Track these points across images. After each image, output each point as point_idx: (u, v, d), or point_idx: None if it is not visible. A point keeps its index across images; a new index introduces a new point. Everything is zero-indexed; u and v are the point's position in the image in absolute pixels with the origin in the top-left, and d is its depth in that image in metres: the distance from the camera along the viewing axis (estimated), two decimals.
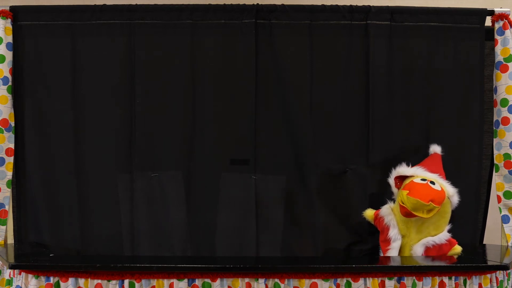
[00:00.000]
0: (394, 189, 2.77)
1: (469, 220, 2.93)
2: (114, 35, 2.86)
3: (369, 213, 2.79)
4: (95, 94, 2.87)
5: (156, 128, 2.87)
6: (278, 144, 2.88)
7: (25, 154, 2.87)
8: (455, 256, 2.66)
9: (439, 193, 2.62)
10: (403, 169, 2.75)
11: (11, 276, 2.46)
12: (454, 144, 2.90)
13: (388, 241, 2.70)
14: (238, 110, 2.87)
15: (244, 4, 2.87)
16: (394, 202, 2.76)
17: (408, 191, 2.62)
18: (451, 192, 2.69)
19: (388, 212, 2.73)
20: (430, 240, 2.66)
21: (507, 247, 2.79)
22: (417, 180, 2.68)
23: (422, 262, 2.53)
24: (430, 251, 2.66)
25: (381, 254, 2.73)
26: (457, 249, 2.68)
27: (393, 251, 2.69)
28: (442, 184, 2.68)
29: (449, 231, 2.71)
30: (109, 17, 2.86)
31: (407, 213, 2.62)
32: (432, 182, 2.65)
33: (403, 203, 2.62)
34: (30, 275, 2.38)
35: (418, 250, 2.66)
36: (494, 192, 2.91)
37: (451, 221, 2.75)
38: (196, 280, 2.39)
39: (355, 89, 2.90)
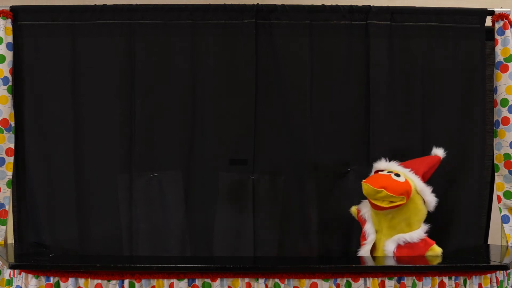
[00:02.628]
0: None
1: (472, 221, 2.92)
2: (114, 35, 2.86)
3: (353, 208, 2.79)
4: (95, 94, 2.87)
5: (156, 128, 2.87)
6: (278, 144, 2.88)
7: (25, 154, 2.86)
8: (433, 256, 2.60)
9: (398, 183, 2.58)
10: (379, 164, 2.74)
11: (11, 276, 2.46)
12: (455, 144, 2.90)
13: (364, 236, 2.70)
14: (238, 110, 2.87)
15: (244, 4, 2.87)
16: None
17: (366, 180, 2.63)
18: (420, 187, 2.63)
19: (365, 205, 2.72)
20: (401, 237, 2.61)
21: (507, 247, 2.79)
22: (383, 172, 2.68)
23: (422, 262, 2.53)
24: (403, 249, 2.60)
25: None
26: (436, 250, 2.61)
27: (367, 246, 2.67)
28: (410, 178, 2.64)
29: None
30: (109, 17, 2.86)
31: (371, 204, 2.62)
32: (397, 175, 2.63)
33: None
34: (30, 275, 2.38)
35: (389, 246, 2.62)
36: (494, 192, 2.91)
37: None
38: (196, 280, 2.39)
39: (355, 89, 2.89)
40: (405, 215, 2.64)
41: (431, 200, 2.66)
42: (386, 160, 2.73)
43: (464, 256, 2.67)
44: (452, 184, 2.90)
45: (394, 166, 2.70)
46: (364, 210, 2.72)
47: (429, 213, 2.68)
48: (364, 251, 2.68)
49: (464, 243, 2.87)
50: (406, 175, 2.65)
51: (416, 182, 2.64)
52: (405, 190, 2.58)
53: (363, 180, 2.62)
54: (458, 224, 2.89)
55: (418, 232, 2.62)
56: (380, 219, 2.67)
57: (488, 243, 2.97)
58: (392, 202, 2.58)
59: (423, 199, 2.66)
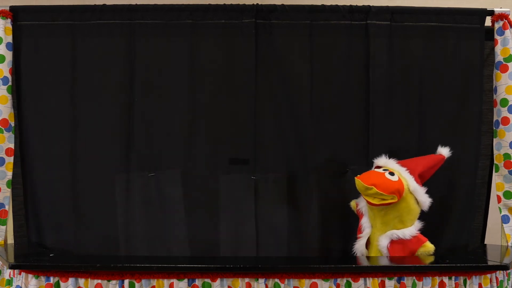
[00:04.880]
0: None
1: (469, 220, 2.93)
2: (114, 35, 2.86)
3: (352, 202, 2.82)
4: (94, 94, 2.87)
5: (155, 128, 2.87)
6: (278, 144, 2.88)
7: (25, 154, 2.87)
8: (425, 253, 2.61)
9: (390, 182, 2.59)
10: (379, 160, 2.75)
11: (11, 276, 2.46)
12: (454, 144, 2.89)
13: (360, 229, 2.73)
14: (238, 110, 2.87)
15: (244, 4, 2.88)
16: None
17: (359, 176, 2.65)
18: (413, 187, 2.63)
19: (363, 199, 2.72)
20: (394, 233, 2.63)
21: (507, 247, 2.80)
22: (379, 169, 2.69)
23: (422, 262, 2.53)
24: (395, 245, 2.62)
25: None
26: (428, 246, 2.61)
27: (362, 240, 2.71)
28: (404, 177, 2.64)
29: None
30: (109, 17, 2.86)
31: (364, 199, 2.64)
32: (392, 173, 2.64)
33: None
34: (30, 275, 2.38)
35: (383, 241, 2.64)
36: (494, 192, 2.91)
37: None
38: (196, 280, 2.39)
39: (355, 89, 2.90)
40: (398, 213, 2.65)
41: (425, 200, 2.66)
42: (386, 157, 2.74)
43: (464, 256, 2.67)
44: (449, 183, 2.91)
45: (392, 164, 2.71)
46: (361, 204, 2.74)
47: (425, 211, 2.68)
48: (359, 245, 2.72)
49: (460, 242, 2.88)
50: (401, 174, 2.65)
51: (410, 182, 2.64)
52: (396, 189, 2.59)
53: (357, 176, 2.64)
54: (454, 223, 2.90)
55: (410, 229, 2.63)
56: (375, 214, 2.69)
57: (487, 243, 2.97)
58: (383, 200, 2.59)
59: (416, 199, 2.66)
